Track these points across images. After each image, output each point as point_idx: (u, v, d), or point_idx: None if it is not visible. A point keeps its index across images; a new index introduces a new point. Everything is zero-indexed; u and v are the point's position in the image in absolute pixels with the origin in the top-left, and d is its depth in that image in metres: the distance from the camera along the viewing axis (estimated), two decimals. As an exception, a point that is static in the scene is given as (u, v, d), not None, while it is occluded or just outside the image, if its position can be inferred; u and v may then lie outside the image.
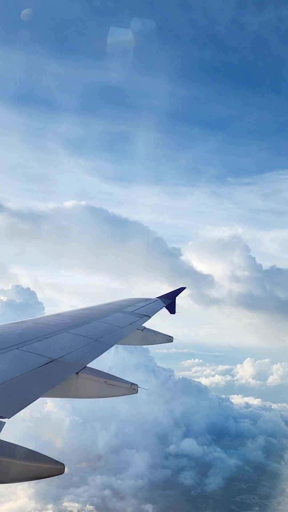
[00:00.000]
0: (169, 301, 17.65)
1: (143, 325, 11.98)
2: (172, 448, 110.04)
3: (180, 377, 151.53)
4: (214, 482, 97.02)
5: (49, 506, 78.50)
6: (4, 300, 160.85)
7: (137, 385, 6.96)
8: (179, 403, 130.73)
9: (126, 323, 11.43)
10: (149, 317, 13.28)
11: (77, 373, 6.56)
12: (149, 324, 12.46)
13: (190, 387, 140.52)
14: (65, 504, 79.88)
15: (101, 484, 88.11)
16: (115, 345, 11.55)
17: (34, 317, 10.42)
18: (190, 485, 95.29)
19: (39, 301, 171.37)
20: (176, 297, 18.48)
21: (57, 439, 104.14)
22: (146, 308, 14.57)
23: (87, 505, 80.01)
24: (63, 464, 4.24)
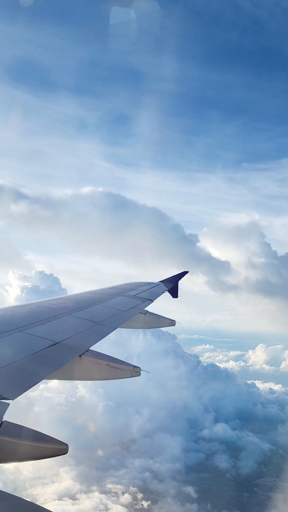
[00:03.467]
0: (171, 285, 17.50)
1: (145, 308, 12.00)
2: (205, 433, 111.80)
3: (209, 362, 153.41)
4: (247, 466, 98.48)
5: (94, 487, 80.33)
6: (29, 286, 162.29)
7: (139, 368, 7.05)
8: (207, 388, 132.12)
9: (128, 306, 11.37)
10: (152, 301, 13.26)
11: (80, 356, 6.63)
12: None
13: (218, 373, 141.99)
14: (109, 486, 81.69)
15: (140, 467, 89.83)
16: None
17: (36, 301, 10.44)
18: (225, 468, 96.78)
19: (63, 287, 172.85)
20: (179, 281, 18.20)
21: (91, 423, 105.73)
22: (148, 292, 14.49)
23: (130, 487, 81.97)
24: (66, 445, 4.35)
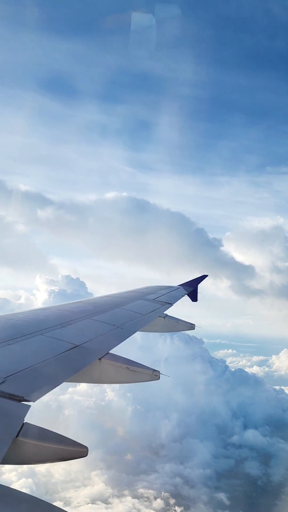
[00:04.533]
0: (191, 289, 17.44)
1: (165, 312, 11.97)
2: (235, 439, 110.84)
3: (237, 368, 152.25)
4: (278, 473, 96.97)
5: (126, 492, 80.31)
6: (56, 290, 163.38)
7: (158, 371, 7.00)
8: (235, 394, 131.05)
9: (148, 310, 11.38)
10: (171, 304, 13.21)
11: (99, 359, 6.64)
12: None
13: (246, 378, 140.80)
14: (140, 490, 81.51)
15: (170, 472, 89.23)
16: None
17: (57, 304, 10.51)
18: (256, 475, 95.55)
19: (89, 291, 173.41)
20: (198, 285, 18.13)
21: (119, 427, 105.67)
22: (168, 296, 14.49)
23: (162, 492, 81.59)
24: (86, 447, 4.33)
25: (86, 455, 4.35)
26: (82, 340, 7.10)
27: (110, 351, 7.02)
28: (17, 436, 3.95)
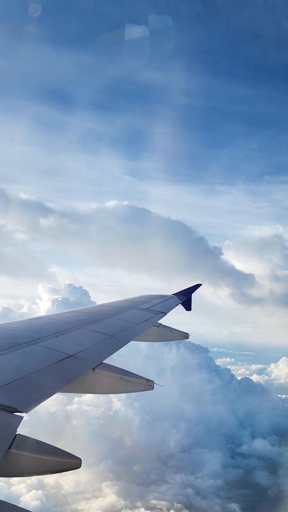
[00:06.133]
0: (185, 298, 17.33)
1: (159, 321, 11.92)
2: (244, 448, 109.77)
3: (243, 377, 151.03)
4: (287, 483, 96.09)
5: (138, 503, 79.38)
6: (59, 299, 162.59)
7: (152, 381, 6.92)
8: (242, 403, 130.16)
9: (141, 319, 11.36)
10: (165, 313, 13.13)
11: (93, 369, 6.59)
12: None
13: (253, 387, 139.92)
14: (153, 501, 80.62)
15: (181, 483, 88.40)
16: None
17: (50, 314, 10.41)
18: (266, 485, 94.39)
19: (92, 300, 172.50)
20: (192, 294, 18.03)
21: (127, 437, 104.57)
22: (161, 305, 14.44)
23: (175, 503, 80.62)
24: (79, 459, 4.27)
25: (79, 467, 4.31)
26: (76, 350, 7.05)
27: (104, 361, 6.99)
28: (9, 448, 3.90)
